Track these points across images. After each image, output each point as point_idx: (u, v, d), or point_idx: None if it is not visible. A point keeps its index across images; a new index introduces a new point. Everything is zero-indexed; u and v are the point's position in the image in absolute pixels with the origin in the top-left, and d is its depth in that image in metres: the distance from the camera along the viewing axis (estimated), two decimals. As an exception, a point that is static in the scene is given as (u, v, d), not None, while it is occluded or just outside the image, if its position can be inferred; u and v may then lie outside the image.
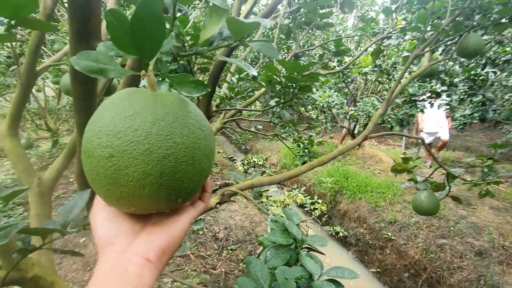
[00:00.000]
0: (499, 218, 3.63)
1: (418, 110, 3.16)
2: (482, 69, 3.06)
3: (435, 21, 1.60)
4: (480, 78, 2.91)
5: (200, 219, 1.97)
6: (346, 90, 5.77)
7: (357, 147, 6.22)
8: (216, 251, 3.25)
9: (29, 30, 2.37)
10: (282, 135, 2.16)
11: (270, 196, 4.15)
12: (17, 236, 0.68)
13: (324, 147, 6.84)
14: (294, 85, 1.34)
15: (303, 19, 2.24)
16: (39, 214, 1.32)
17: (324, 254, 1.08)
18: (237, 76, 1.76)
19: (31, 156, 5.90)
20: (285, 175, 1.44)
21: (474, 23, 1.46)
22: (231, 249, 3.31)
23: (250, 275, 0.86)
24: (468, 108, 2.99)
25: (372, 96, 5.68)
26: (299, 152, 2.30)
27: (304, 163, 2.20)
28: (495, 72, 3.14)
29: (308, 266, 0.90)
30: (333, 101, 5.45)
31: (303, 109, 7.86)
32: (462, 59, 3.38)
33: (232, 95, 1.86)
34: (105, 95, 1.09)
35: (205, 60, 1.72)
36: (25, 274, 1.09)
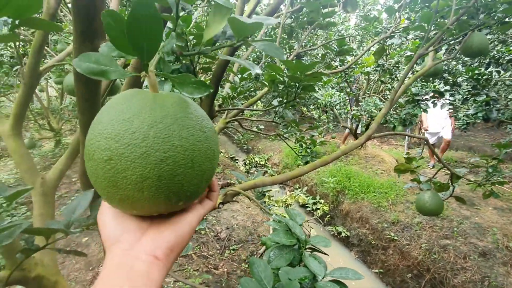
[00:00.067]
0: (503, 219, 3.61)
1: (421, 110, 3.15)
2: (486, 69, 3.04)
3: (439, 20, 1.59)
4: (484, 77, 2.88)
5: (203, 218, 1.97)
6: (348, 89, 5.75)
7: (360, 147, 6.20)
8: (218, 251, 3.25)
9: (32, 30, 2.38)
10: (284, 135, 2.15)
11: (272, 196, 4.14)
12: (20, 236, 0.68)
13: (326, 147, 6.83)
14: (297, 84, 1.33)
15: (305, 18, 2.23)
16: (42, 213, 1.32)
17: (327, 255, 1.07)
18: (239, 75, 1.76)
19: (34, 156, 5.93)
20: (288, 175, 1.44)
21: (480, 22, 1.44)
22: (233, 249, 3.31)
23: (253, 275, 0.86)
24: (471, 108, 2.97)
25: (374, 96, 5.67)
26: (301, 152, 2.30)
27: (306, 163, 2.20)
28: (498, 72, 3.12)
29: (311, 267, 0.90)
30: (335, 101, 5.44)
31: (305, 108, 7.85)
32: (465, 59, 3.36)
33: (235, 95, 1.85)
34: (109, 95, 1.09)
35: (208, 60, 1.71)
36: (28, 274, 1.10)
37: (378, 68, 4.56)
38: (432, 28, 1.50)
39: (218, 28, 0.33)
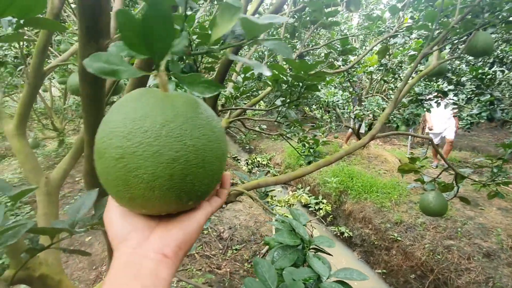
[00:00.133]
0: (508, 219, 3.58)
1: (425, 109, 3.13)
2: (490, 68, 3.02)
3: (443, 19, 1.58)
4: (488, 77, 2.86)
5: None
6: (351, 89, 5.73)
7: (363, 147, 6.19)
8: (221, 251, 3.25)
9: (36, 30, 2.39)
10: (287, 135, 2.15)
11: (275, 196, 4.14)
12: (25, 235, 0.69)
13: (328, 147, 6.81)
14: (300, 84, 1.33)
15: (308, 18, 2.22)
16: (46, 213, 1.33)
17: (331, 255, 1.06)
18: (242, 75, 1.75)
19: (38, 156, 5.97)
20: (291, 175, 1.43)
21: (485, 21, 1.43)
22: (236, 249, 3.31)
23: (257, 276, 0.86)
24: (475, 108, 2.95)
25: (377, 95, 5.64)
26: (304, 152, 2.29)
27: (309, 163, 2.19)
28: (503, 71, 3.09)
29: (316, 267, 0.90)
30: (338, 100, 5.42)
31: (307, 108, 7.83)
32: (469, 58, 3.34)
33: (238, 94, 1.85)
34: (113, 94, 1.09)
35: (210, 60, 1.71)
36: (33, 273, 1.10)
37: (381, 68, 4.54)
38: (436, 27, 1.49)
39: (227, 27, 0.33)
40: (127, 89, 0.77)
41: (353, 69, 4.92)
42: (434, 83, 3.12)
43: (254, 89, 2.80)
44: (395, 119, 3.56)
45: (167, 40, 0.30)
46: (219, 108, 1.80)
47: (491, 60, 3.17)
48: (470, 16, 1.48)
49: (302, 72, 1.21)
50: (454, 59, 3.07)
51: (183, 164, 0.32)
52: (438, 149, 1.79)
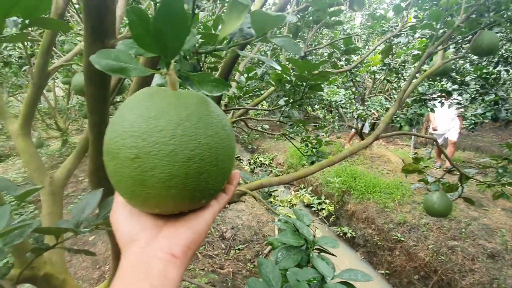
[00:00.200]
0: (512, 220, 3.56)
1: (428, 109, 3.11)
2: (494, 68, 3.00)
3: (447, 18, 1.57)
4: (492, 76, 2.84)
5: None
6: (354, 89, 5.72)
7: (366, 147, 6.16)
8: (223, 251, 3.25)
9: (40, 31, 2.40)
10: (290, 135, 2.14)
11: (277, 196, 4.14)
12: (30, 235, 0.69)
13: (331, 147, 6.79)
14: (304, 84, 1.32)
15: (311, 17, 2.22)
16: (51, 212, 1.34)
17: (335, 256, 1.06)
18: (245, 75, 1.75)
19: (42, 155, 6.00)
20: (295, 175, 1.43)
21: (490, 20, 1.42)
22: (239, 249, 3.31)
23: (261, 276, 0.85)
24: (480, 107, 2.92)
25: (380, 95, 5.62)
26: (307, 152, 2.28)
27: (312, 163, 2.18)
28: (507, 71, 3.06)
29: (320, 268, 0.89)
30: (340, 100, 5.40)
31: (309, 108, 7.81)
32: (473, 57, 3.31)
33: (241, 94, 1.85)
34: (117, 94, 1.09)
35: (213, 59, 1.71)
36: (37, 272, 1.10)
37: (384, 67, 4.51)
38: (440, 27, 1.48)
39: (235, 25, 0.33)
40: (132, 88, 0.77)
41: (356, 69, 4.91)
42: (438, 83, 3.11)
43: (257, 89, 2.80)
44: (398, 119, 3.55)
45: (180, 38, 0.30)
46: (222, 108, 1.80)
47: (495, 60, 3.15)
48: (475, 15, 1.47)
49: (306, 72, 1.21)
50: (458, 59, 3.05)
51: (198, 162, 0.32)
52: (443, 149, 1.78)
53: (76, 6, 2.59)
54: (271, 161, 7.42)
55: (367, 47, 6.37)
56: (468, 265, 3.05)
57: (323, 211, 4.74)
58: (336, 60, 3.29)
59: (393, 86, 5.42)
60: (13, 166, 5.67)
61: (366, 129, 6.51)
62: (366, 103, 5.40)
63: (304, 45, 2.44)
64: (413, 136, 6.69)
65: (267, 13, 0.32)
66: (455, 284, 3.01)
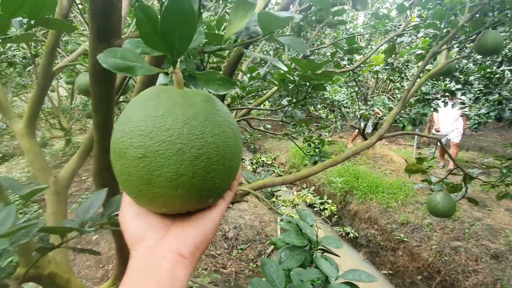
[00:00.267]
0: (516, 221, 3.53)
1: (432, 109, 3.10)
2: (498, 67, 2.97)
3: (451, 17, 1.56)
4: (496, 76, 2.82)
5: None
6: (356, 88, 5.70)
7: (369, 147, 6.12)
8: (226, 250, 3.25)
9: (44, 31, 2.41)
10: (293, 135, 2.14)
11: (280, 196, 4.14)
12: (35, 234, 0.69)
13: (333, 147, 6.77)
14: (307, 83, 1.32)
15: (313, 17, 2.21)
16: (55, 212, 1.34)
17: (339, 256, 1.06)
18: (248, 75, 1.75)
19: (45, 155, 6.03)
20: (298, 175, 1.43)
21: (495, 19, 1.41)
22: (241, 249, 3.31)
23: (265, 276, 0.85)
24: (483, 107, 2.90)
25: (383, 95, 5.60)
26: (309, 152, 2.28)
27: (315, 163, 2.18)
28: (511, 70, 3.04)
29: (323, 268, 0.89)
30: (343, 100, 5.38)
31: (312, 108, 7.80)
32: (477, 57, 3.29)
33: (244, 94, 1.85)
34: (121, 95, 1.10)
35: (216, 59, 1.71)
36: (42, 271, 1.11)
37: (387, 67, 4.50)
38: (444, 26, 1.47)
39: (241, 24, 0.33)
40: (138, 87, 0.77)
41: (358, 69, 4.89)
42: (441, 82, 3.09)
43: (259, 89, 2.80)
44: (401, 118, 3.53)
45: (187, 37, 0.30)
46: (225, 107, 1.80)
47: (499, 59, 3.12)
48: (479, 15, 1.46)
49: (309, 72, 1.20)
50: (461, 58, 3.03)
51: (205, 161, 0.32)
52: (447, 149, 1.77)
53: (80, 6, 2.60)
54: (273, 161, 7.42)
55: (369, 46, 6.35)
56: (471, 266, 3.03)
57: (326, 211, 4.73)
58: (338, 60, 3.28)
59: (396, 85, 5.40)
60: (17, 166, 5.71)
61: (369, 129, 6.49)
62: (369, 102, 5.37)
63: (307, 44, 2.43)
64: (416, 136, 6.66)
65: (274, 14, 0.32)
66: (458, 285, 3.00)
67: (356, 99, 5.60)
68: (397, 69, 4.39)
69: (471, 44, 1.86)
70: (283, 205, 3.79)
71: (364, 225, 4.27)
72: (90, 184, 4.78)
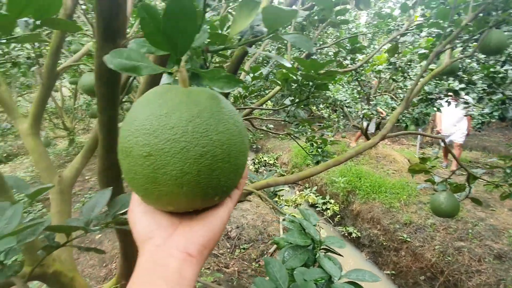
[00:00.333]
0: (520, 221, 3.51)
1: (435, 109, 3.08)
2: (502, 67, 2.96)
3: (455, 17, 1.55)
4: (500, 75, 2.80)
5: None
6: (359, 88, 5.68)
7: (371, 146, 6.10)
8: (228, 250, 3.26)
9: (48, 31, 2.42)
10: (295, 134, 2.14)
11: (282, 196, 4.14)
12: (40, 233, 0.70)
13: (336, 146, 6.76)
14: (310, 83, 1.32)
15: (316, 17, 2.21)
16: (59, 211, 1.35)
17: (342, 256, 1.06)
18: (251, 75, 1.75)
19: (49, 154, 6.07)
20: (300, 175, 1.43)
21: (499, 19, 1.40)
22: (244, 248, 3.32)
23: (269, 275, 0.86)
24: (487, 107, 2.89)
25: (385, 95, 5.58)
26: (312, 152, 2.28)
27: (317, 162, 2.18)
28: (515, 70, 3.02)
29: (327, 268, 0.89)
30: (345, 100, 5.37)
31: (314, 107, 7.79)
32: (480, 56, 3.27)
33: (246, 93, 1.85)
34: (126, 94, 1.10)
35: (218, 59, 1.71)
36: (47, 270, 1.12)
37: (390, 66, 4.48)
38: (448, 25, 1.47)
39: (245, 23, 0.33)
40: (142, 88, 0.78)
41: (361, 68, 4.87)
42: (445, 82, 3.07)
43: (262, 88, 2.80)
44: (404, 118, 3.52)
45: (190, 35, 0.30)
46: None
47: (503, 59, 3.10)
48: (482, 14, 1.45)
49: (313, 71, 1.20)
50: (465, 58, 3.01)
51: (210, 159, 0.32)
52: (451, 149, 1.76)
53: (83, 7, 2.61)
54: (276, 161, 7.41)
55: (372, 46, 6.33)
56: (474, 266, 3.01)
57: (328, 211, 4.72)
58: (341, 60, 3.27)
59: (398, 85, 5.38)
60: (21, 165, 5.75)
61: (372, 129, 6.47)
62: (371, 102, 5.36)
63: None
64: (419, 136, 6.63)
65: (279, 7, 0.32)
66: (461, 285, 2.98)
67: (358, 98, 5.58)
68: (400, 69, 4.38)
69: (475, 43, 1.85)
70: (285, 205, 3.79)
71: (366, 225, 4.26)
72: (93, 183, 4.81)
